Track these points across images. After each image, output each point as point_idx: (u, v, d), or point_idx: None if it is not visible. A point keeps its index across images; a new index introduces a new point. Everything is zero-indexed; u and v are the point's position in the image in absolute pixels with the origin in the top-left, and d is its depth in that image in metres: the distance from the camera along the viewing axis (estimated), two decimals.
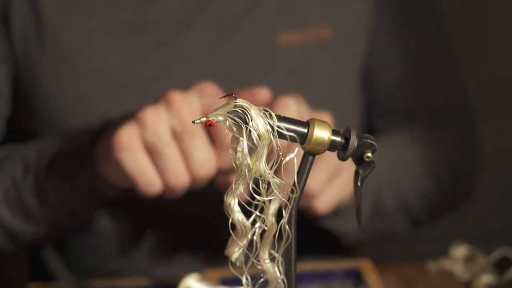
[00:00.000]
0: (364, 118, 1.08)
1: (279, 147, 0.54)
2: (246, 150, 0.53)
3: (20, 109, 1.02)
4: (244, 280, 0.57)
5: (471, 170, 1.08)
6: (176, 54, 0.98)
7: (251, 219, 0.56)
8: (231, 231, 0.56)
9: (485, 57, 1.54)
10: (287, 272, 0.58)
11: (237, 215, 0.55)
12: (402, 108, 1.07)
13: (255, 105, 0.54)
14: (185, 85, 0.96)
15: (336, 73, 1.01)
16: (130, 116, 0.82)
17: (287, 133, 0.55)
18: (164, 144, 0.79)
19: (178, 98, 0.80)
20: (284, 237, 0.57)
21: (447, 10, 1.09)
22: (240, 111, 0.53)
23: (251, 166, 0.54)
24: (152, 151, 0.80)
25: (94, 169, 0.87)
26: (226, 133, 0.54)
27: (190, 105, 0.80)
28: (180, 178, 0.79)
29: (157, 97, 0.83)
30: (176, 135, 0.80)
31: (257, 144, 0.53)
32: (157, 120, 0.79)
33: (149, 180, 0.80)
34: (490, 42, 1.56)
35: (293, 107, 0.82)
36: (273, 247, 0.57)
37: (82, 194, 0.91)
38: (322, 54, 1.00)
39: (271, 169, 0.54)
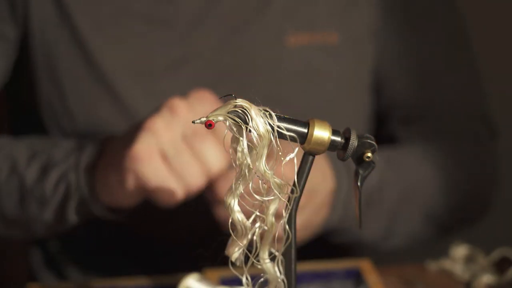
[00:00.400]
0: (372, 122, 1.07)
1: (279, 147, 0.54)
2: (246, 150, 0.53)
3: (34, 91, 1.01)
4: (244, 280, 0.57)
5: (487, 188, 1.07)
6: (185, 51, 0.98)
7: (251, 219, 0.56)
8: (231, 231, 0.56)
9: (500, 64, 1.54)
10: (287, 272, 0.58)
11: (237, 215, 0.55)
12: (418, 115, 1.06)
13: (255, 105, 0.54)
14: (192, 82, 0.96)
15: (342, 77, 1.01)
16: (136, 128, 0.81)
17: (287, 133, 0.55)
18: (179, 150, 0.79)
19: (181, 104, 0.81)
20: (284, 237, 0.57)
21: (466, 16, 1.08)
22: (240, 111, 0.53)
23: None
24: (168, 160, 0.80)
25: (90, 190, 0.86)
26: (226, 133, 0.54)
27: (194, 110, 0.81)
28: (197, 180, 0.80)
29: (157, 106, 0.82)
30: (187, 140, 0.80)
31: (257, 144, 0.53)
32: (168, 128, 0.79)
33: (170, 189, 0.80)
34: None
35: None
36: (273, 246, 0.58)
37: (68, 211, 0.90)
38: (329, 57, 1.00)
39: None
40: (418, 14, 1.04)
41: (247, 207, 0.55)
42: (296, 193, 0.56)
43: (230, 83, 0.97)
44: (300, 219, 0.83)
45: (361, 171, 0.58)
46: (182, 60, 0.98)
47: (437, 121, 1.05)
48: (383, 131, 1.07)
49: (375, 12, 1.01)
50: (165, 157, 0.80)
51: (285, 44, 0.98)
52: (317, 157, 0.58)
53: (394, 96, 1.06)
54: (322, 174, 0.86)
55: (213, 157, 0.80)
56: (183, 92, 0.89)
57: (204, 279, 0.77)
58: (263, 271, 0.58)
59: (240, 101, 0.53)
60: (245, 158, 0.54)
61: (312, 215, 0.85)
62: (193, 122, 0.53)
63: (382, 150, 0.98)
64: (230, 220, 0.55)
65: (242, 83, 0.98)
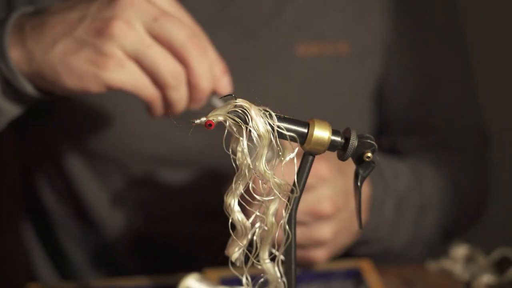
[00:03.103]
0: (376, 133, 1.08)
1: (279, 147, 0.54)
2: (246, 150, 0.53)
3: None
4: (244, 280, 0.57)
5: (485, 194, 1.10)
6: None
7: (251, 219, 0.56)
8: (231, 231, 0.56)
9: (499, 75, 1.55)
10: (287, 272, 0.58)
11: (237, 215, 0.55)
12: (418, 126, 1.07)
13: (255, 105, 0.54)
14: None
15: (350, 88, 1.01)
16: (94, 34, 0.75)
17: (287, 133, 0.55)
18: (146, 45, 0.74)
19: None
20: (284, 237, 0.57)
21: (467, 31, 1.10)
22: (240, 111, 0.53)
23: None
24: (138, 59, 0.75)
25: (6, 61, 0.78)
26: (225, 133, 0.54)
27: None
28: (172, 69, 0.75)
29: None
30: (153, 28, 0.75)
31: (257, 144, 0.53)
32: (129, 27, 0.74)
33: (146, 87, 0.76)
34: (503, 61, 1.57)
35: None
36: (273, 247, 0.58)
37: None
38: (339, 68, 1.00)
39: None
40: (426, 29, 1.04)
41: (247, 207, 0.55)
42: (296, 193, 0.56)
43: (238, 88, 0.97)
44: (338, 222, 0.83)
45: (361, 171, 0.58)
46: None
47: (437, 132, 1.08)
48: (383, 141, 1.08)
49: (385, 24, 1.01)
50: (134, 59, 0.75)
51: (295, 53, 0.98)
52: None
53: (396, 107, 1.06)
54: None
55: (183, 35, 0.75)
56: None
57: (204, 279, 0.77)
58: (263, 271, 0.58)
59: (240, 101, 0.53)
60: (245, 158, 0.54)
61: (350, 218, 0.85)
62: (193, 122, 0.53)
63: (407, 159, 1.00)
64: (230, 220, 0.55)
65: (251, 88, 0.97)
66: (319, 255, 0.84)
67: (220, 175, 0.94)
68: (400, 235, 0.96)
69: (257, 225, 0.56)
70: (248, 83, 0.97)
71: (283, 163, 0.54)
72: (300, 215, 0.81)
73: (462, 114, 1.08)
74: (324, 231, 0.82)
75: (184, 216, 1.01)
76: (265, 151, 0.53)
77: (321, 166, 0.81)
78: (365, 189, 0.87)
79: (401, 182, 0.94)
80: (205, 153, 0.97)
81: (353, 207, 0.86)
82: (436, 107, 1.07)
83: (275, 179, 0.54)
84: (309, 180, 0.79)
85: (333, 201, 0.81)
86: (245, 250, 0.56)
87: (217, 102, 0.81)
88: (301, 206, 0.80)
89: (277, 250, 0.57)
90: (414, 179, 0.97)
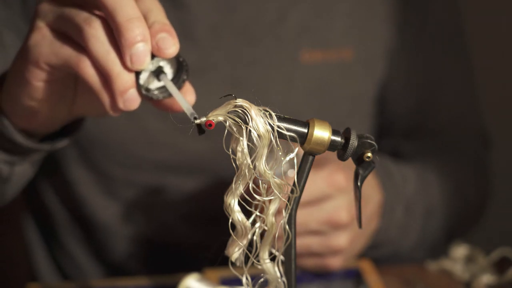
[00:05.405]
0: (377, 136, 1.08)
1: (279, 147, 0.54)
2: (246, 150, 0.53)
3: None
4: (244, 280, 0.57)
5: (487, 197, 1.10)
6: (200, 61, 0.97)
7: (251, 219, 0.56)
8: (231, 231, 0.56)
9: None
10: (287, 272, 0.58)
11: (237, 215, 0.55)
12: (419, 129, 1.07)
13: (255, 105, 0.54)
14: (205, 92, 0.95)
15: (354, 94, 1.01)
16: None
17: (287, 133, 0.55)
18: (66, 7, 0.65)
19: None
20: (284, 237, 0.57)
21: (469, 35, 1.10)
22: (240, 111, 0.53)
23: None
24: (61, 27, 0.65)
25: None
26: (225, 133, 0.54)
27: None
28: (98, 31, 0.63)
29: None
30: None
31: (257, 144, 0.53)
32: None
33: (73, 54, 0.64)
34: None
35: None
36: (273, 247, 0.58)
37: None
38: (343, 74, 0.99)
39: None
40: (429, 35, 1.04)
41: (247, 207, 0.55)
42: (296, 193, 0.56)
43: (242, 94, 0.96)
44: (354, 230, 0.84)
45: (361, 171, 0.58)
46: (196, 69, 0.97)
47: (439, 136, 1.08)
48: (385, 144, 1.08)
49: (389, 30, 1.01)
50: (59, 29, 0.64)
51: (299, 60, 0.98)
52: None
53: (399, 110, 1.06)
54: (370, 183, 0.87)
55: None
56: (196, 103, 0.87)
57: (204, 279, 0.77)
58: (263, 271, 0.58)
59: (240, 101, 0.53)
60: (245, 158, 0.54)
61: (364, 225, 0.86)
62: (193, 122, 0.53)
63: (411, 163, 1.00)
64: (230, 220, 0.55)
65: (254, 94, 0.97)
66: (335, 262, 0.85)
67: (224, 180, 0.94)
68: (408, 239, 0.96)
69: (257, 225, 0.56)
70: (252, 89, 0.97)
71: (283, 163, 0.54)
72: (318, 225, 0.82)
73: (464, 118, 1.09)
74: (341, 239, 0.84)
75: (187, 220, 1.01)
76: (265, 151, 0.53)
77: (339, 176, 0.82)
78: (377, 194, 0.88)
79: (409, 186, 0.95)
80: (209, 159, 0.97)
81: (367, 213, 0.86)
82: (438, 111, 1.07)
83: (275, 179, 0.54)
84: (327, 189, 0.81)
85: (349, 210, 0.82)
86: (245, 250, 0.56)
87: (165, 79, 0.66)
88: (320, 216, 0.82)
89: (277, 250, 0.57)
90: (420, 183, 0.97)
